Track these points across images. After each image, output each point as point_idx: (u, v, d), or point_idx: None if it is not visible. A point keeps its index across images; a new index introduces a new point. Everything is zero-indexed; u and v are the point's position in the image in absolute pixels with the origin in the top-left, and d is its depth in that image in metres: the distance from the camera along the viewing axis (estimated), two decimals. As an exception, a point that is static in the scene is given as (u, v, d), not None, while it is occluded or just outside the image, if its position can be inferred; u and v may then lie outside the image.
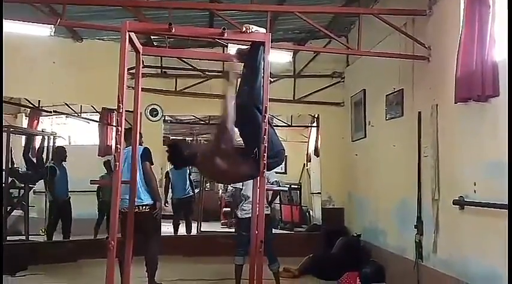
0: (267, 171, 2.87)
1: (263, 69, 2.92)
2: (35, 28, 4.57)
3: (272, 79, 2.82)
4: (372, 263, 5.28)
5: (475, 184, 3.45)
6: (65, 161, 6.98)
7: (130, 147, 4.48)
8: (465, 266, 3.55)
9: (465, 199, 3.55)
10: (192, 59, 6.27)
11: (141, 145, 4.71)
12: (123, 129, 2.77)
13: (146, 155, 4.65)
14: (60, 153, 7.01)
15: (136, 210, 4.27)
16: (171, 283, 4.75)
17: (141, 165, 4.61)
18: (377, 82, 5.56)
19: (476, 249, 3.45)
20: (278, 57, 5.18)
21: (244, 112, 2.94)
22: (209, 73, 6.82)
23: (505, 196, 3.01)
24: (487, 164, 3.34)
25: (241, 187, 4.70)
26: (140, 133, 4.82)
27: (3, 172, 6.06)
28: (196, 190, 8.93)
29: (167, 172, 8.47)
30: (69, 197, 6.96)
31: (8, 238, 6.24)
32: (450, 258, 3.81)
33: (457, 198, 3.62)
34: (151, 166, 4.69)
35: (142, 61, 3.25)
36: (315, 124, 8.55)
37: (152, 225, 4.65)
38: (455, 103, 3.58)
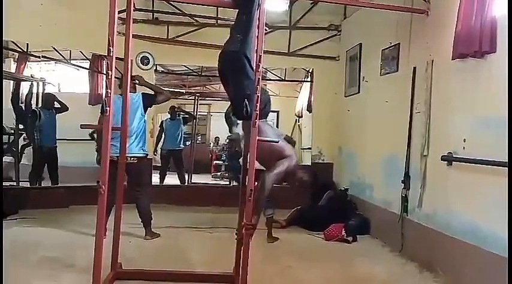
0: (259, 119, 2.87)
1: (258, 17, 2.85)
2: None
3: (267, 29, 2.74)
4: (357, 216, 5.41)
5: (464, 141, 3.49)
6: (53, 108, 6.90)
7: (131, 94, 4.49)
8: (448, 220, 3.65)
9: (454, 156, 3.59)
10: (186, 3, 6.04)
11: (135, 93, 4.65)
12: (113, 73, 2.71)
13: (148, 97, 4.67)
14: (47, 99, 6.91)
15: (127, 160, 4.34)
16: (162, 229, 4.85)
17: (143, 112, 4.60)
18: (374, 37, 5.47)
19: (460, 204, 3.53)
20: (274, 5, 5.02)
21: (235, 60, 2.88)
22: (202, 21, 6.64)
23: (493, 152, 3.06)
24: (477, 121, 3.36)
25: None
26: (137, 78, 4.77)
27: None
28: (188, 143, 8.98)
29: (162, 122, 8.46)
30: (56, 145, 6.92)
31: (-2, 183, 6.26)
32: (434, 212, 3.92)
33: (445, 154, 3.67)
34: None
35: (134, 3, 3.12)
36: (308, 79, 8.46)
37: (140, 175, 4.69)
38: (452, 59, 3.55)
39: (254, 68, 2.78)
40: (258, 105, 2.75)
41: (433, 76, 4.03)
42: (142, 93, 4.70)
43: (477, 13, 3.25)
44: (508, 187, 2.71)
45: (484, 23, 3.19)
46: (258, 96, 2.74)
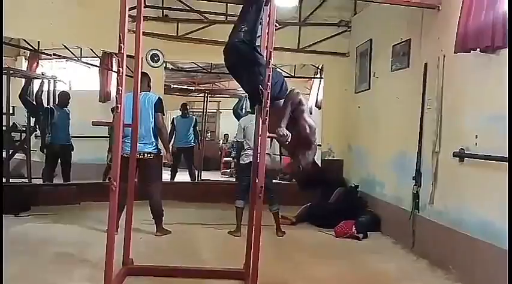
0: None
1: (268, 14, 2.84)
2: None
3: (277, 25, 2.73)
4: (368, 212, 5.39)
5: (476, 137, 3.45)
6: (67, 106, 6.97)
7: (142, 93, 4.54)
8: (460, 216, 3.62)
9: (465, 152, 3.55)
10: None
11: (149, 91, 4.72)
12: (124, 70, 2.73)
13: (159, 105, 4.68)
14: (62, 97, 6.99)
15: (140, 157, 4.38)
16: (172, 226, 4.87)
17: (154, 115, 4.62)
18: (384, 32, 5.42)
19: (472, 201, 3.50)
20: (284, 2, 4.99)
21: (239, 50, 2.89)
22: (211, 18, 6.64)
23: (505, 149, 3.01)
24: (489, 117, 3.32)
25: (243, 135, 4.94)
26: (149, 77, 4.82)
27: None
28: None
29: (173, 120, 8.50)
30: (70, 143, 6.99)
31: (11, 180, 6.33)
32: (446, 209, 3.88)
33: (457, 150, 3.63)
34: (163, 117, 4.74)
35: (144, 1, 3.13)
36: (318, 75, 8.43)
37: (153, 172, 4.74)
38: (454, 53, 3.52)
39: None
40: (268, 101, 2.75)
41: (444, 72, 3.98)
42: (159, 98, 4.74)
43: (488, 7, 3.21)
44: (508, 183, 2.66)
45: (496, 16, 3.14)
46: (268, 92, 2.74)
